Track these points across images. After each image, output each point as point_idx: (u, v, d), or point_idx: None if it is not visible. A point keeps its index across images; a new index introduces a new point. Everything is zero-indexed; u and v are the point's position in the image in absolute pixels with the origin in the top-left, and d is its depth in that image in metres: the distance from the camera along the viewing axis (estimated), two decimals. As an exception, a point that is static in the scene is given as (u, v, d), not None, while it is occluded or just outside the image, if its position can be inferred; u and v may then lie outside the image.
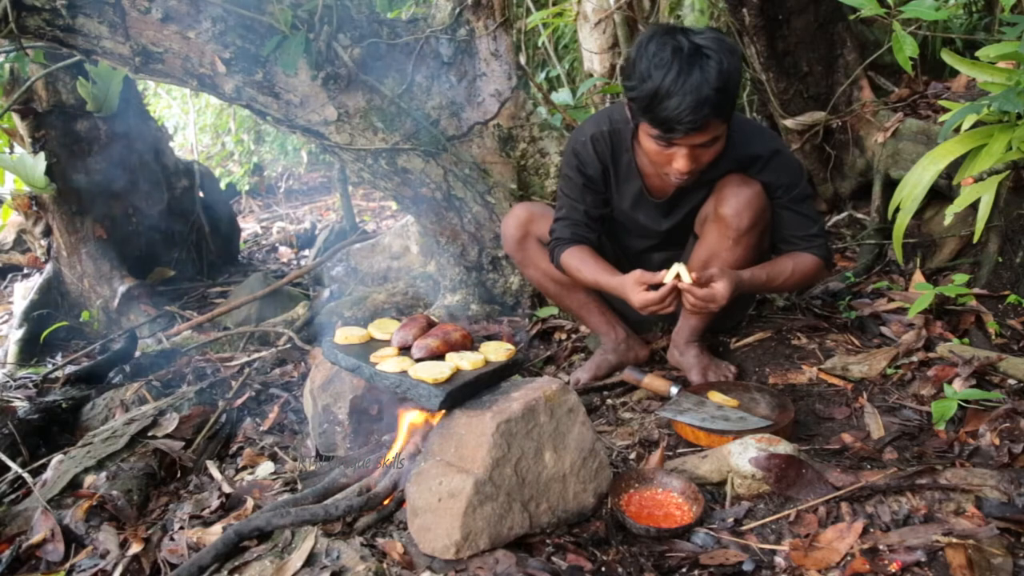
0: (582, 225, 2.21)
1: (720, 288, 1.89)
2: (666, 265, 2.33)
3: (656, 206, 2.19)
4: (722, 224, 2.05)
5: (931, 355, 2.18)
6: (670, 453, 1.92)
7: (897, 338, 2.34)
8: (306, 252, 5.30)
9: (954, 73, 3.15)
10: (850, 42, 3.24)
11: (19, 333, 3.66)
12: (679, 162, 1.86)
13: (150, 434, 2.21)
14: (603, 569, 1.48)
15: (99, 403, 2.59)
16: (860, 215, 3.27)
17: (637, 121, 1.90)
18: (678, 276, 1.91)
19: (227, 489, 1.95)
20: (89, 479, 2.01)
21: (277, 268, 5.00)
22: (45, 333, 3.62)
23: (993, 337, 2.24)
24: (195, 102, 7.28)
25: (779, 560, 1.49)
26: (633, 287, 1.97)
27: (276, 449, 2.22)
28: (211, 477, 2.09)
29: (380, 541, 1.53)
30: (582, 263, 2.15)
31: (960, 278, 2.41)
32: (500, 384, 1.68)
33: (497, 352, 1.72)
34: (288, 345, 2.91)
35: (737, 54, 1.82)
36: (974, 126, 2.42)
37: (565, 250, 2.20)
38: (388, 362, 1.68)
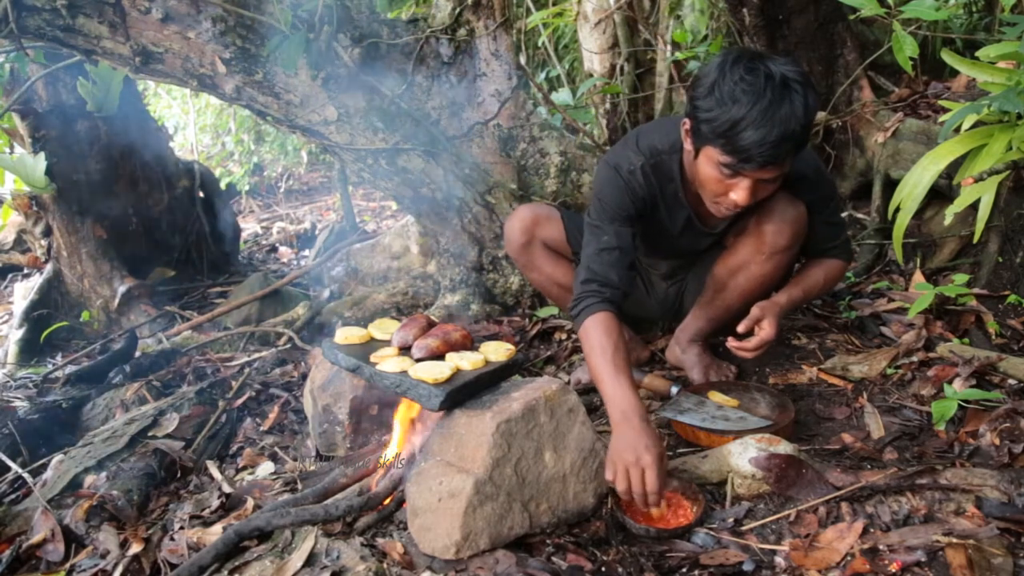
0: (613, 282, 1.91)
1: (768, 328, 1.90)
2: (676, 271, 2.34)
3: (706, 234, 2.12)
4: (760, 239, 2.01)
5: (931, 355, 2.18)
6: (670, 453, 1.92)
7: (897, 338, 2.34)
8: (306, 252, 5.29)
9: (954, 73, 3.16)
10: (850, 42, 3.24)
11: (19, 333, 3.65)
12: (739, 194, 1.71)
13: (150, 434, 2.20)
14: (603, 569, 1.48)
15: (99, 403, 2.58)
16: (860, 215, 3.27)
17: (700, 145, 1.72)
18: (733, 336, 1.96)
19: (227, 489, 1.95)
20: (89, 479, 2.01)
21: (277, 268, 5.00)
22: (45, 333, 3.61)
23: (993, 337, 2.24)
24: (195, 102, 7.27)
25: (779, 560, 1.49)
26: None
27: (276, 449, 2.22)
28: (211, 477, 2.09)
29: (380, 541, 1.53)
30: (597, 346, 1.80)
31: (960, 278, 2.41)
32: (500, 384, 1.68)
33: (497, 352, 1.72)
34: (288, 345, 2.91)
35: (816, 89, 1.71)
36: (974, 126, 2.42)
37: (589, 316, 1.87)
38: (388, 362, 1.68)
